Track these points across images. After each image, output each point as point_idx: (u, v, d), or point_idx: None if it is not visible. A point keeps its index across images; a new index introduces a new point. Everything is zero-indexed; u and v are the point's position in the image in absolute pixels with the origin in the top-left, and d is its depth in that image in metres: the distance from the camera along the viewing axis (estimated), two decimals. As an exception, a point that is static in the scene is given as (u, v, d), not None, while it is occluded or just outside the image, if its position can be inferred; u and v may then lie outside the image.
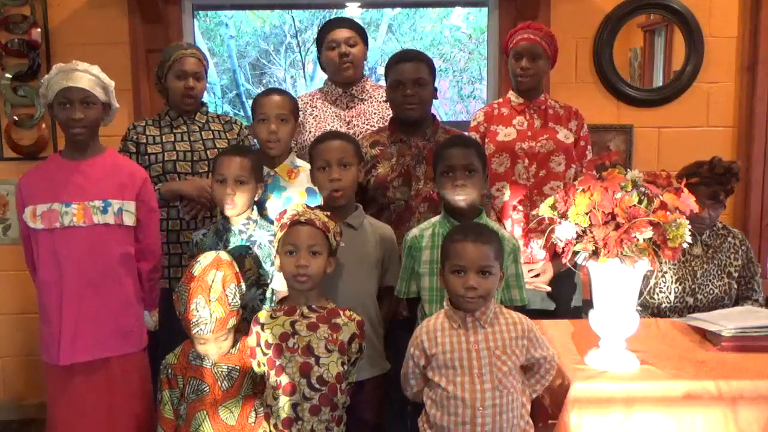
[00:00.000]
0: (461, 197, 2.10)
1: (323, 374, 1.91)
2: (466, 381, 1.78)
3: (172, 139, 2.62)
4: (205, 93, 2.76)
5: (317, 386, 1.91)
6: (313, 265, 1.95)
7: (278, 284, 2.17)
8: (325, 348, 1.92)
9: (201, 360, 1.99)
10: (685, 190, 1.85)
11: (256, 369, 1.99)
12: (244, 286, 2.02)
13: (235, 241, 2.23)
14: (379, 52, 7.57)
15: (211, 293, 1.92)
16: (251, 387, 2.01)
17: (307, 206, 2.06)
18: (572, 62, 3.24)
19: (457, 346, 1.81)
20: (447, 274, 1.83)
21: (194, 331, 1.93)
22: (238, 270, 2.01)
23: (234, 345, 2.01)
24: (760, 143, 3.27)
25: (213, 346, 1.96)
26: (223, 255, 2.01)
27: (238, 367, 1.99)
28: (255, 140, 2.59)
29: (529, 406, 1.88)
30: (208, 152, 2.61)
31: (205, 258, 1.99)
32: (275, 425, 1.93)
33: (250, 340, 2.00)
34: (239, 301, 1.97)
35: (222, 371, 1.98)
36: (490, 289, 1.81)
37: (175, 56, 2.59)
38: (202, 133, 2.65)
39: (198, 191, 2.53)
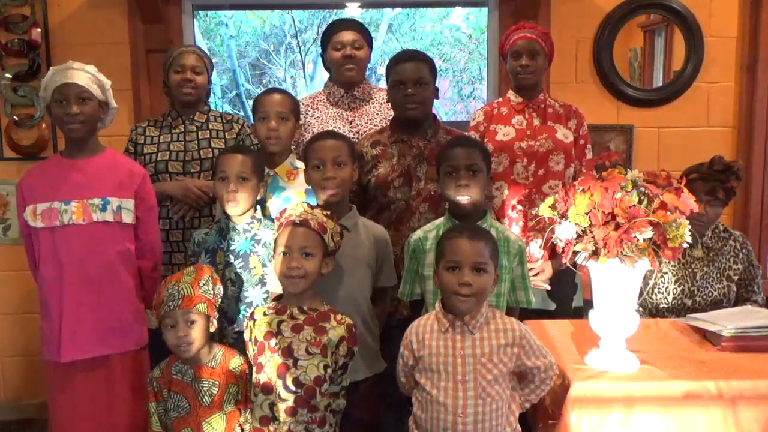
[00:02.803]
0: (465, 197, 2.10)
1: (299, 376, 1.89)
2: (449, 387, 1.78)
3: (168, 140, 2.63)
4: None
5: (292, 388, 1.89)
6: (305, 266, 1.94)
7: (272, 285, 2.17)
8: (306, 351, 1.91)
9: (182, 375, 1.99)
10: (685, 190, 1.85)
11: (252, 362, 2.01)
12: (221, 289, 2.06)
13: (239, 240, 2.23)
14: (379, 52, 7.57)
15: (183, 278, 1.99)
16: (234, 402, 2.00)
17: (308, 205, 2.06)
18: (572, 62, 3.24)
19: (443, 351, 1.80)
20: (441, 271, 1.82)
21: (162, 311, 1.94)
22: (217, 276, 2.07)
23: (214, 356, 2.01)
24: (760, 143, 3.27)
25: (179, 330, 1.93)
26: (205, 264, 2.10)
27: (217, 383, 1.98)
28: (256, 140, 2.59)
29: (517, 413, 1.87)
30: (201, 152, 2.61)
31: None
32: (253, 423, 1.95)
33: (246, 335, 2.01)
34: (212, 293, 2.00)
35: (202, 386, 1.97)
36: (484, 287, 1.79)
37: (175, 54, 2.63)
38: (199, 133, 2.65)
39: (183, 192, 2.52)
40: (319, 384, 1.91)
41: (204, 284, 1.99)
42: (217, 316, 2.05)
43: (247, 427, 1.99)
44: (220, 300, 2.05)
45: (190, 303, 1.94)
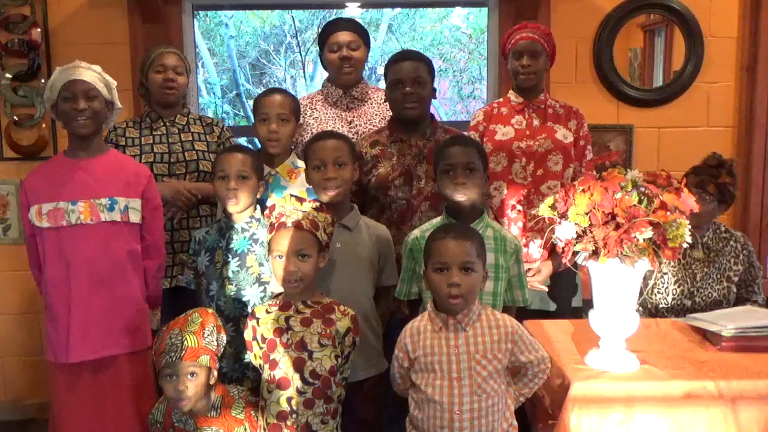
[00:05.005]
0: (462, 195, 2.10)
1: (316, 368, 1.92)
2: (445, 385, 1.78)
3: (151, 141, 2.62)
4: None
5: (310, 380, 1.92)
6: (302, 268, 1.95)
7: (275, 286, 2.17)
8: (318, 343, 1.93)
9: (183, 424, 1.95)
10: (685, 190, 1.85)
11: (253, 361, 2.01)
12: (224, 338, 1.99)
13: (237, 239, 2.23)
14: (379, 52, 7.57)
15: (187, 326, 1.91)
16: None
17: (295, 198, 2.04)
18: (572, 62, 3.24)
19: (437, 350, 1.81)
20: (430, 273, 1.83)
21: (163, 361, 1.87)
22: (221, 324, 2.00)
23: (213, 405, 1.95)
24: (760, 143, 3.27)
25: (179, 383, 1.87)
26: (209, 309, 2.03)
27: (222, 430, 1.94)
28: (255, 139, 2.59)
29: (513, 407, 1.88)
30: (186, 154, 2.61)
31: (191, 310, 2.00)
32: (267, 419, 1.95)
33: (247, 335, 2.01)
34: (215, 344, 1.93)
35: None
36: (473, 286, 1.80)
37: (155, 54, 2.64)
38: (182, 135, 2.66)
39: (173, 193, 2.52)
40: (333, 374, 1.94)
41: (209, 334, 1.92)
42: (218, 367, 1.97)
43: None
44: (223, 349, 1.99)
45: (193, 355, 1.87)
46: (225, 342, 2.00)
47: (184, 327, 1.91)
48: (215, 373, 1.95)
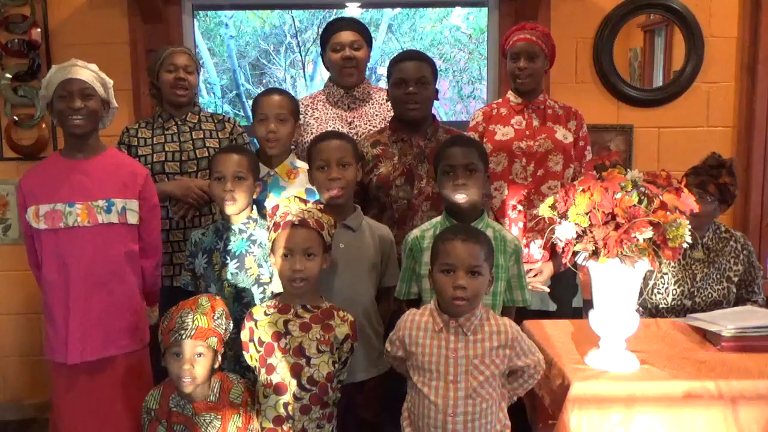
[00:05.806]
0: (462, 196, 2.10)
1: (314, 374, 1.91)
2: (440, 386, 1.79)
3: (162, 140, 2.63)
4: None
5: (308, 386, 1.91)
6: (308, 268, 1.94)
7: (276, 286, 2.17)
8: (317, 349, 1.92)
9: (181, 408, 1.94)
10: (685, 190, 1.85)
11: (249, 362, 2.00)
12: (231, 325, 1.98)
13: (235, 240, 2.23)
14: (379, 52, 7.57)
15: (197, 307, 1.91)
16: (239, 419, 1.97)
17: (299, 199, 2.04)
18: (572, 62, 3.24)
19: (435, 351, 1.81)
20: (436, 273, 1.82)
21: (171, 339, 1.86)
22: (228, 312, 1.99)
23: (212, 390, 1.94)
24: (760, 143, 3.27)
25: (185, 362, 1.86)
26: (218, 297, 2.03)
27: (219, 417, 1.93)
28: (254, 139, 2.60)
29: (506, 408, 1.88)
30: (197, 152, 2.62)
31: (198, 295, 2.00)
32: (262, 423, 1.94)
33: (244, 335, 1.99)
34: (224, 328, 1.93)
35: (204, 420, 1.92)
36: (479, 290, 1.79)
37: (166, 54, 2.63)
38: (193, 133, 2.65)
39: (184, 191, 2.52)
40: (331, 380, 1.94)
41: (218, 317, 1.92)
42: (223, 352, 1.97)
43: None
44: (228, 336, 1.98)
45: (202, 335, 1.87)
46: (231, 329, 1.98)
47: (194, 308, 1.90)
48: (219, 357, 1.95)
